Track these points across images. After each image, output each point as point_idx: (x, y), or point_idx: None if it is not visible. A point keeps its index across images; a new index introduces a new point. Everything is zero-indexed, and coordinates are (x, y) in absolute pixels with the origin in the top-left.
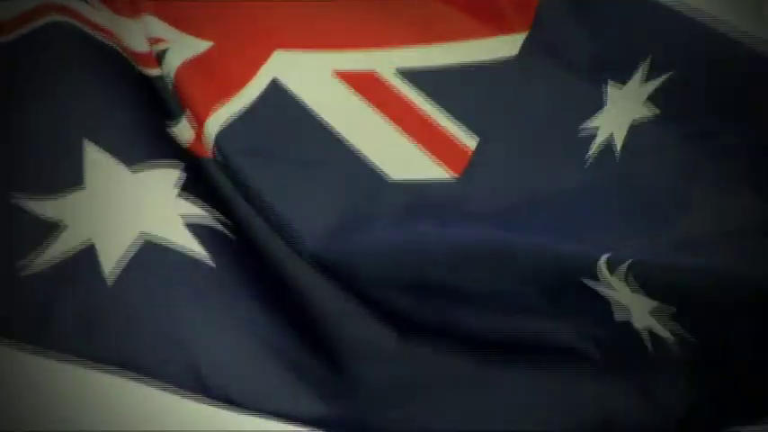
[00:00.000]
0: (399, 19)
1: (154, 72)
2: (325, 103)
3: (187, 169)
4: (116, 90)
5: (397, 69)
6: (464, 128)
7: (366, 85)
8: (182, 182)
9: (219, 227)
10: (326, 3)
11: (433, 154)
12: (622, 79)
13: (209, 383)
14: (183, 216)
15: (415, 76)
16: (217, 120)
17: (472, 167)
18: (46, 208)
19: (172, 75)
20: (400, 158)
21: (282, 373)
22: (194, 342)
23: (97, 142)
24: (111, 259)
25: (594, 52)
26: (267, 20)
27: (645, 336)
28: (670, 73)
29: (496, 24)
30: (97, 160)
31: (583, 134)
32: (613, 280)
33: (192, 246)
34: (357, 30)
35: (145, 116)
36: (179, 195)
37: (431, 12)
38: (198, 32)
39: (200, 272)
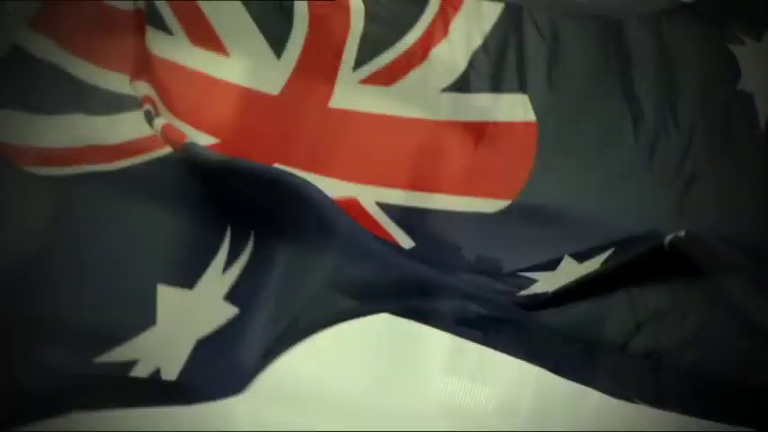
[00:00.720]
0: (393, 162)
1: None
2: None
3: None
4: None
5: (377, 202)
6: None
7: (348, 209)
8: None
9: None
10: (328, 130)
11: None
12: (582, 259)
13: None
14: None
15: (391, 210)
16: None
17: None
18: (122, 353)
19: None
20: None
21: None
22: None
23: (170, 282)
24: (173, 372)
25: (563, 236)
26: (271, 130)
27: None
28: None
29: (484, 187)
30: (168, 297)
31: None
32: None
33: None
34: (351, 163)
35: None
36: (225, 299)
37: (422, 160)
38: (207, 129)
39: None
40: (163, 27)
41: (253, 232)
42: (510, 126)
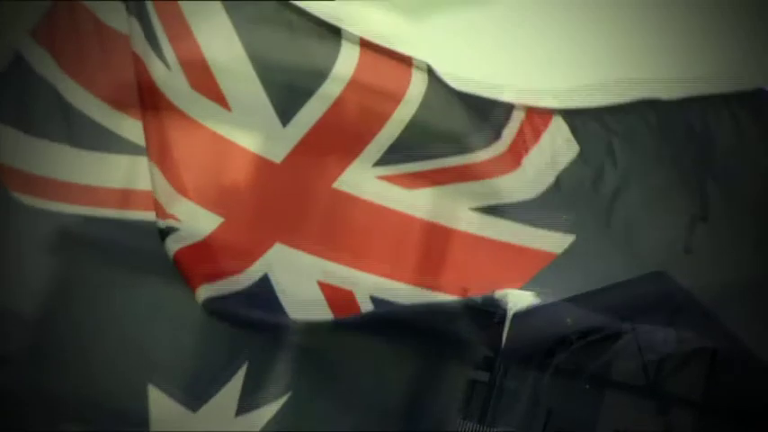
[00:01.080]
0: (394, 253)
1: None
2: (300, 307)
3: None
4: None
5: (371, 296)
6: None
7: (341, 302)
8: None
9: None
10: (331, 211)
11: None
12: None
13: None
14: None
15: (383, 305)
16: (205, 291)
17: None
18: None
19: (171, 254)
20: None
21: None
22: None
23: (164, 389)
24: None
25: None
26: (275, 206)
27: None
28: None
29: (491, 280)
30: (163, 407)
31: None
32: None
33: None
34: (357, 247)
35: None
36: (237, 414)
37: (425, 256)
38: (211, 206)
39: None
40: (163, 60)
41: (292, 389)
42: (529, 252)
